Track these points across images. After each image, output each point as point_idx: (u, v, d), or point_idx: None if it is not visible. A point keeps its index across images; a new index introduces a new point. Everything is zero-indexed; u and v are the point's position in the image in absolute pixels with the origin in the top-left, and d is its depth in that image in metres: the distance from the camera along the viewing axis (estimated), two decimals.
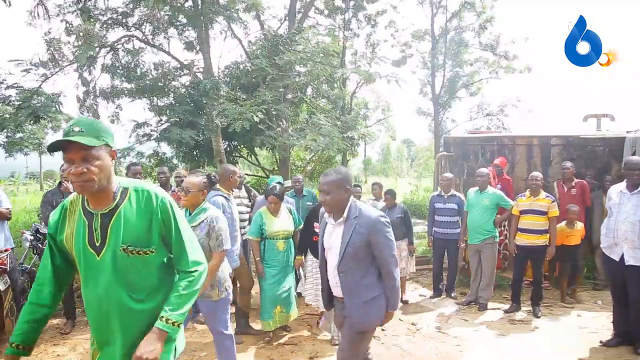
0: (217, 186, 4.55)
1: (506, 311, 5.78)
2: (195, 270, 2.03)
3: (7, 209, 5.09)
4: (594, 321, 5.43)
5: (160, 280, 2.02)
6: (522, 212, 5.70)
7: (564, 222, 5.99)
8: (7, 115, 8.80)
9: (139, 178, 5.56)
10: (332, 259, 3.01)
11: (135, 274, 1.94)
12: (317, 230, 4.08)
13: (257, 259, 4.73)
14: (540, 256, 5.69)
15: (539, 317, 5.58)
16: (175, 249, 2.02)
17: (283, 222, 4.77)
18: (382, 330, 5.20)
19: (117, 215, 1.91)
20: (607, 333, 4.98)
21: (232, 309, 4.63)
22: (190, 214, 3.52)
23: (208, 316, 3.61)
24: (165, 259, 2.03)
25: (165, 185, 5.99)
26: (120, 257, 1.90)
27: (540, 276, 5.82)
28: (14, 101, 8.69)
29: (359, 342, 3.05)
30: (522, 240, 5.70)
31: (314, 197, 6.68)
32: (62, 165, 5.18)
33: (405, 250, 6.26)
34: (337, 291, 3.05)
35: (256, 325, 5.02)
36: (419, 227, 11.87)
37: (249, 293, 5.13)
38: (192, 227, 3.14)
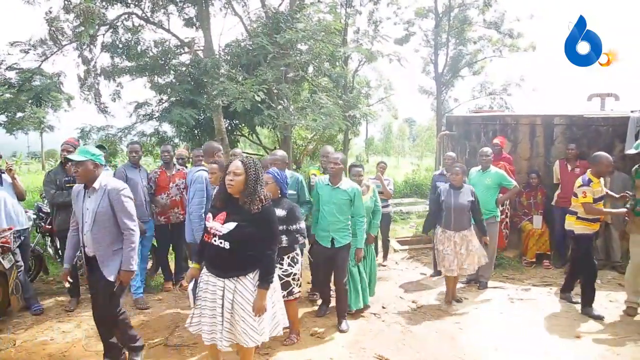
0: (202, 162, 4.95)
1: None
2: None
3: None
4: None
5: None
6: (597, 200, 4.96)
7: None
8: (8, 96, 8.75)
9: (135, 156, 5.55)
10: None
11: None
12: (208, 224, 3.18)
13: None
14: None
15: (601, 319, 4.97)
16: None
17: None
18: (383, 307, 5.27)
19: None
20: (606, 311, 5.05)
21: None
22: None
23: None
24: None
25: (168, 163, 5.98)
26: None
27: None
28: (14, 83, 8.63)
29: None
30: (591, 229, 5.07)
31: (298, 184, 4.93)
32: (63, 145, 5.19)
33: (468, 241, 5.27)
34: None
35: None
36: (420, 206, 11.92)
37: None
38: None
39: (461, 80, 19.99)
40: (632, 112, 6.88)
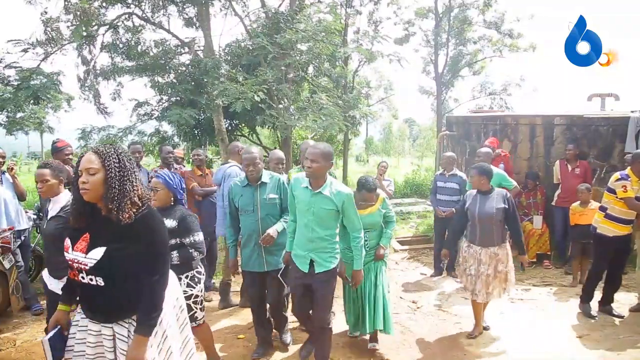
0: (230, 159, 5.06)
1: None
2: None
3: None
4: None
5: None
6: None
7: (577, 202, 5.95)
8: (7, 95, 8.75)
9: (136, 157, 5.57)
10: None
11: None
12: (68, 255, 2.23)
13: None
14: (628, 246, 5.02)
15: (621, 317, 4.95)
16: None
17: None
18: None
19: None
20: None
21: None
22: None
23: None
24: None
25: (169, 165, 5.99)
26: None
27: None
28: (12, 81, 8.63)
29: None
30: (614, 230, 4.74)
31: (280, 188, 3.89)
32: (64, 148, 5.21)
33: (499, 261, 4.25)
34: None
35: None
36: (420, 206, 11.93)
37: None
38: None
39: (461, 80, 20.04)
40: (632, 112, 6.88)
